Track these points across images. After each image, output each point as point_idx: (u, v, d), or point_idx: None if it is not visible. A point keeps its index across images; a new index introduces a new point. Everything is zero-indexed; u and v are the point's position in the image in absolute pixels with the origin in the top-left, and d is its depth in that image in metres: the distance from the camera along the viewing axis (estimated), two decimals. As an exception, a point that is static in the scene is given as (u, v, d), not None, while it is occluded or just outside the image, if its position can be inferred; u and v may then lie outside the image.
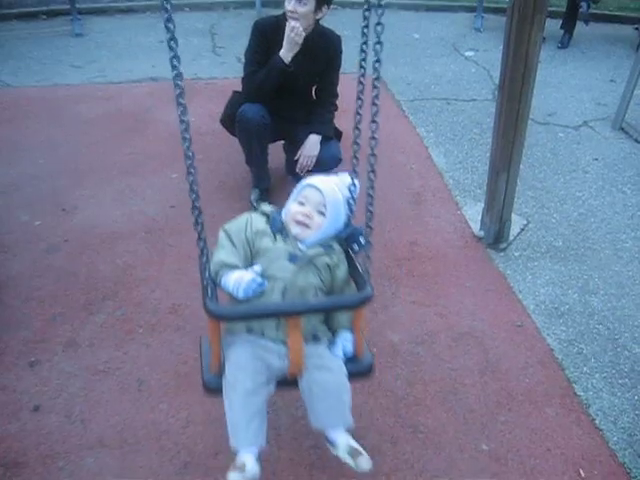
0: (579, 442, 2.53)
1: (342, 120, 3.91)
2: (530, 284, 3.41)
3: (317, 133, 3.72)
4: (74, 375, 2.73)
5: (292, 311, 1.92)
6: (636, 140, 4.99)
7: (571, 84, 6.10)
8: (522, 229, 3.85)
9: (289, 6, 3.33)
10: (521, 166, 3.54)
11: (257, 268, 2.02)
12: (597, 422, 2.61)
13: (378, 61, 1.76)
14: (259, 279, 1.97)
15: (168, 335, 2.96)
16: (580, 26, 7.08)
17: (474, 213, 3.91)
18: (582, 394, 2.74)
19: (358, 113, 2.01)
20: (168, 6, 1.55)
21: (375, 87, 1.78)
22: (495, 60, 6.32)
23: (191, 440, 2.48)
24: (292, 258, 2.06)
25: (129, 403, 2.62)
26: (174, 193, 4.02)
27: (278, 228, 2.11)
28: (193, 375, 2.75)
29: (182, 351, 2.88)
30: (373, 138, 1.86)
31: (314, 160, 3.71)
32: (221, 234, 2.12)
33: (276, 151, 4.00)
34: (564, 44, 7.10)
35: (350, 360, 2.10)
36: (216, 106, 4.45)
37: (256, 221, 2.13)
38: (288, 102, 3.68)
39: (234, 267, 2.01)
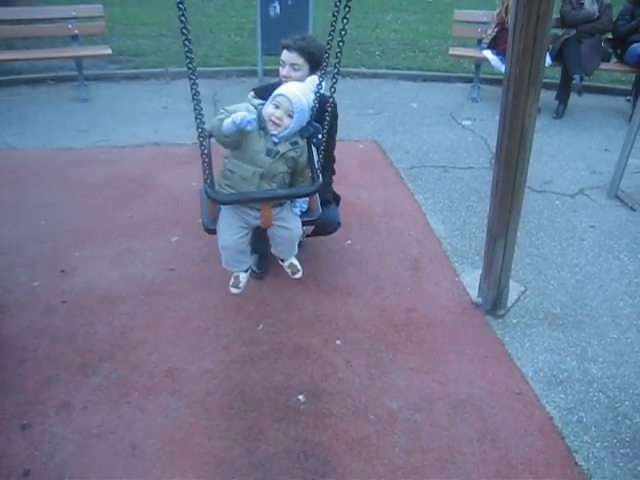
0: (581, 514, 2.48)
1: (340, 185, 3.97)
2: (528, 351, 3.39)
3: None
4: (66, 439, 2.69)
5: (266, 198, 2.88)
6: (631, 208, 5.05)
7: (566, 153, 6.21)
8: (520, 296, 3.85)
9: (283, 71, 3.43)
10: (518, 233, 3.57)
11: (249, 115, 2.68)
12: (599, 493, 2.57)
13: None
14: (250, 117, 2.66)
15: (164, 399, 2.93)
16: (574, 97, 7.25)
17: (472, 280, 3.92)
18: (583, 464, 2.70)
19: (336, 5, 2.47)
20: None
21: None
22: (492, 129, 6.46)
23: (184, 508, 2.43)
24: (268, 152, 2.80)
25: (122, 468, 2.57)
26: (173, 256, 4.04)
27: (262, 125, 2.78)
28: (188, 441, 2.72)
29: (177, 416, 2.84)
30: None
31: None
32: (221, 110, 2.77)
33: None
34: (559, 114, 7.26)
35: (305, 213, 3.14)
36: (217, 170, 4.51)
37: (251, 112, 2.75)
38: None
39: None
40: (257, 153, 2.80)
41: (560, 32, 7.29)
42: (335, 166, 3.89)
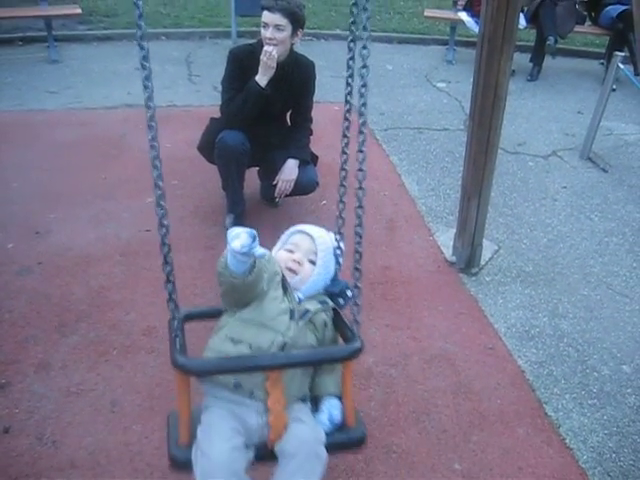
0: (550, 461, 2.56)
1: (316, 146, 3.98)
2: (501, 308, 3.46)
3: (295, 158, 3.76)
4: (46, 397, 2.70)
5: (272, 364, 1.71)
6: (603, 169, 5.13)
7: (540, 115, 6.26)
8: (493, 254, 3.92)
9: (267, 33, 3.40)
10: (492, 193, 3.62)
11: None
12: (567, 442, 2.65)
13: (364, 86, 1.74)
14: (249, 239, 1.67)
15: (142, 357, 2.95)
16: (548, 60, 7.29)
17: (446, 239, 3.98)
18: (552, 414, 2.78)
19: (344, 152, 2.00)
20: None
21: (362, 114, 1.78)
22: (467, 91, 6.42)
23: (164, 462, 2.43)
24: (292, 314, 1.86)
25: (102, 425, 2.59)
26: (149, 217, 3.97)
27: (283, 281, 1.93)
28: (167, 397, 2.74)
29: (155, 373, 2.86)
30: (360, 170, 1.83)
31: (292, 184, 3.76)
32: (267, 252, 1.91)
33: (250, 177, 4.02)
34: (533, 77, 7.29)
35: (339, 429, 1.86)
36: (191, 133, 4.48)
37: (278, 269, 1.94)
38: (264, 128, 3.73)
39: None
40: (277, 313, 1.85)
41: (535, -6, 7.29)
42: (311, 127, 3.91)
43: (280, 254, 2.05)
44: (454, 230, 3.85)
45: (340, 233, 2.11)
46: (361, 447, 1.97)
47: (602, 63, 7.81)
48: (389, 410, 2.75)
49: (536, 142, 5.63)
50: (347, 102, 1.94)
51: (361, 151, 1.77)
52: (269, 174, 3.91)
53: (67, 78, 6.57)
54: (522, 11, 6.33)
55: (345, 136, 1.96)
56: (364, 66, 1.69)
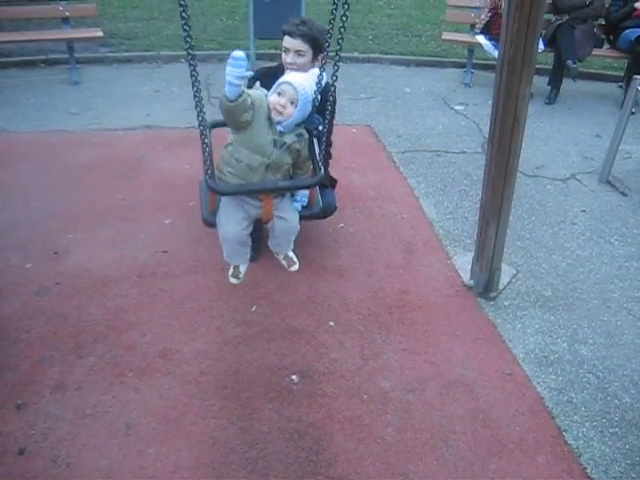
0: (570, 491, 2.51)
1: (333, 169, 3.98)
2: (520, 333, 3.42)
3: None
4: (61, 418, 2.71)
5: (268, 189, 2.93)
6: (622, 193, 5.08)
7: (558, 138, 6.22)
8: (511, 279, 3.88)
9: (288, 58, 3.40)
10: (510, 217, 3.59)
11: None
12: (588, 471, 2.60)
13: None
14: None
15: (158, 379, 2.95)
16: (566, 83, 7.26)
17: (464, 262, 3.95)
18: (573, 443, 2.73)
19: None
20: None
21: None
22: (484, 114, 6.49)
23: (179, 486, 2.45)
24: (275, 143, 2.83)
25: (116, 447, 2.59)
26: (166, 239, 4.04)
27: (267, 115, 2.81)
28: (182, 420, 2.73)
29: (171, 395, 2.86)
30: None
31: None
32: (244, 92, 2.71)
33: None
34: (551, 100, 7.27)
35: (306, 207, 3.18)
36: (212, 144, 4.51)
37: (265, 101, 2.82)
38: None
39: None
40: (265, 143, 2.82)
41: (552, 18, 7.28)
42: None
43: (272, 97, 2.83)
44: (472, 254, 3.82)
45: (323, 67, 2.88)
46: (319, 217, 3.48)
47: (621, 86, 7.77)
48: (406, 436, 2.72)
49: (554, 165, 5.59)
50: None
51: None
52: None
53: (88, 99, 6.64)
54: (540, 34, 6.33)
55: None
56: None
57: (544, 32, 7.07)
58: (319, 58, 3.53)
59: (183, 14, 2.35)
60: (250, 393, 2.91)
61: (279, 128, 2.85)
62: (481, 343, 3.32)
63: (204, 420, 2.75)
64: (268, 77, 3.59)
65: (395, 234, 4.27)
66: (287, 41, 3.40)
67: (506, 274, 3.86)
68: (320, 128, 2.97)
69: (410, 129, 6.24)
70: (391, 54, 8.72)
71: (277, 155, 2.86)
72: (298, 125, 2.93)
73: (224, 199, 3.05)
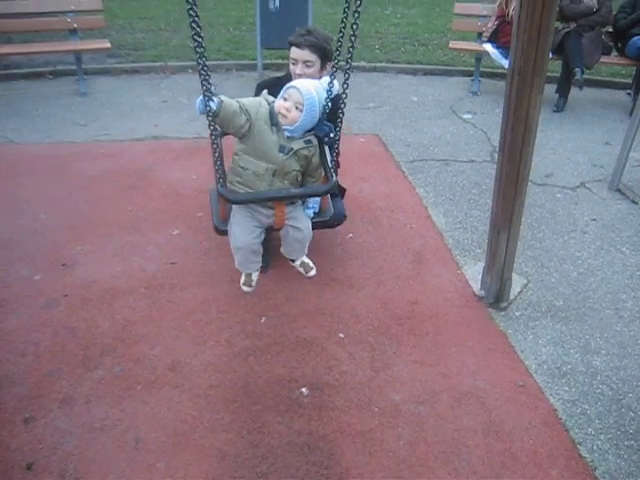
0: (586, 506, 2.47)
1: (341, 178, 3.95)
2: (531, 343, 3.38)
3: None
4: (69, 432, 2.68)
5: (280, 197, 2.93)
6: (633, 201, 5.04)
7: (567, 146, 6.19)
8: (522, 288, 3.84)
9: (297, 70, 3.39)
10: (520, 226, 3.56)
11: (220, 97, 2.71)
12: (604, 485, 2.56)
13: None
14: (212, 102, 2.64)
15: (167, 392, 2.92)
16: (575, 91, 7.23)
17: (474, 272, 3.91)
18: (587, 456, 2.69)
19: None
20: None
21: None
22: (492, 122, 6.48)
23: (188, 501, 2.42)
24: (282, 149, 2.83)
25: (125, 462, 2.56)
26: (175, 250, 4.03)
27: (275, 121, 2.82)
28: (191, 434, 2.70)
29: (180, 409, 2.83)
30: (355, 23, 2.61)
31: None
32: (236, 101, 2.79)
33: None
34: (559, 108, 7.24)
35: (317, 214, 3.23)
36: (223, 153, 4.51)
37: (263, 107, 2.86)
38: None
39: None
40: (270, 149, 2.84)
41: (560, 26, 7.26)
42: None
43: (278, 101, 2.84)
44: (482, 264, 3.79)
45: (333, 75, 2.88)
46: (332, 224, 3.53)
47: (629, 93, 7.75)
48: (418, 450, 2.68)
49: (564, 173, 5.56)
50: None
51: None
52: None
53: (95, 110, 6.66)
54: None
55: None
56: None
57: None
58: (327, 67, 3.52)
59: (193, 24, 2.38)
60: (260, 406, 2.88)
61: (287, 133, 2.86)
62: (492, 354, 3.28)
63: (213, 434, 2.72)
64: (275, 88, 3.60)
65: (404, 244, 4.24)
66: (294, 52, 3.39)
67: (517, 284, 3.82)
68: (331, 135, 2.97)
69: (418, 138, 6.22)
70: (398, 63, 8.73)
71: (283, 161, 2.87)
72: (308, 132, 2.94)
73: (235, 208, 3.07)
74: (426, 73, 8.60)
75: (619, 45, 7.42)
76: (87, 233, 4.20)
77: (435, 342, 3.35)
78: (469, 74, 8.21)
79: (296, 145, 2.88)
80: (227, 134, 3.13)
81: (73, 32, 7.16)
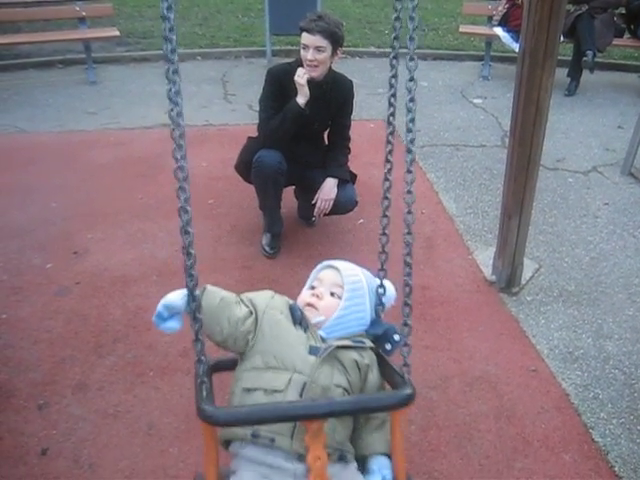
0: (598, 490, 2.46)
1: (352, 164, 3.95)
2: (543, 328, 3.37)
3: (334, 176, 3.72)
4: (83, 418, 2.70)
5: (313, 413, 1.43)
6: (646, 185, 5.01)
7: (579, 130, 6.14)
8: (534, 273, 3.83)
9: (308, 55, 3.37)
10: (532, 211, 3.54)
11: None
12: (617, 469, 2.54)
13: (412, 100, 1.59)
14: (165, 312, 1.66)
15: (179, 379, 2.93)
16: (586, 74, 7.17)
17: (485, 257, 3.90)
18: (600, 440, 2.68)
19: (387, 179, 1.77)
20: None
21: (409, 151, 1.55)
22: (503, 107, 6.43)
23: (201, 486, 2.43)
24: (313, 350, 1.64)
25: (138, 447, 2.57)
26: (185, 237, 4.02)
27: (298, 318, 1.71)
28: (203, 419, 2.71)
29: (192, 395, 2.81)
30: (409, 192, 1.55)
31: (331, 203, 3.71)
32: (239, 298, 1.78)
33: (286, 196, 3.99)
34: (571, 91, 7.18)
35: None
36: (227, 152, 4.51)
37: (278, 299, 1.79)
38: (302, 147, 3.71)
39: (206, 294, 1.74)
40: (294, 348, 1.65)
41: (571, 8, 7.18)
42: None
43: (302, 293, 1.85)
44: (493, 249, 3.78)
45: (383, 269, 1.81)
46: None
47: (642, 76, 7.68)
48: (430, 434, 2.68)
49: (576, 158, 5.52)
50: (389, 124, 1.72)
51: (409, 171, 1.53)
52: (307, 193, 3.89)
53: (105, 99, 6.67)
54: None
55: (388, 161, 1.73)
56: (411, 79, 1.55)
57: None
58: (338, 53, 3.51)
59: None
60: (271, 392, 2.88)
61: (320, 333, 1.72)
62: (504, 339, 3.28)
63: (225, 419, 2.73)
64: (286, 75, 3.57)
65: (415, 229, 4.12)
66: (306, 38, 3.37)
67: (528, 269, 3.81)
68: (396, 338, 1.74)
69: (428, 123, 6.19)
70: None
71: (318, 368, 1.61)
72: (352, 333, 1.77)
73: (237, 462, 1.61)
74: (436, 58, 8.54)
75: (632, 27, 7.34)
76: (98, 221, 4.22)
77: (446, 327, 3.34)
78: (479, 58, 8.15)
79: (337, 342, 1.68)
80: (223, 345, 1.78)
81: (82, 20, 7.16)
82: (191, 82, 7.13)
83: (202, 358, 1.48)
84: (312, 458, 1.42)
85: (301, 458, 1.49)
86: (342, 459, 1.60)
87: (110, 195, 4.57)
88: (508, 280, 3.63)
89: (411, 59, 1.54)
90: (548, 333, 3.34)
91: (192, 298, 1.47)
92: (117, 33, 7.29)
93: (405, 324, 1.60)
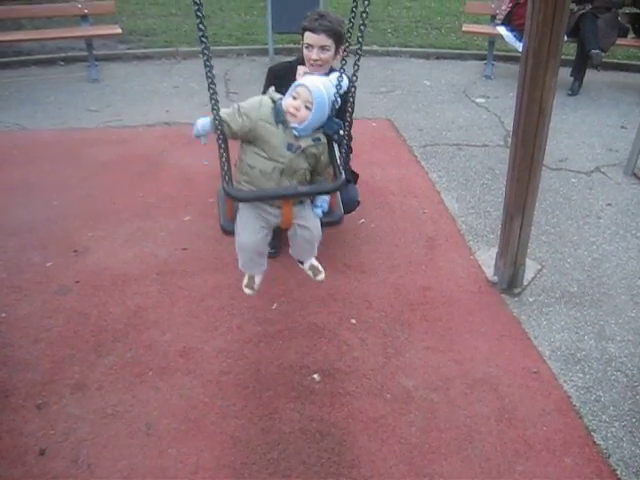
0: (600, 494, 2.45)
1: (353, 163, 3.92)
2: (545, 330, 3.35)
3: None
4: (82, 418, 2.69)
5: (287, 194, 2.75)
6: (649, 186, 4.98)
7: (582, 130, 6.12)
8: (536, 274, 3.81)
9: (312, 55, 3.34)
10: (534, 211, 3.51)
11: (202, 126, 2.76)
12: (618, 473, 2.53)
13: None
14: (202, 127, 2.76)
15: (178, 379, 2.92)
16: (590, 74, 7.14)
17: (487, 258, 3.88)
18: (602, 443, 2.66)
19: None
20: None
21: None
22: (506, 107, 6.41)
23: (200, 487, 2.42)
24: (289, 147, 2.66)
25: (137, 448, 2.56)
26: (186, 236, 4.02)
27: (281, 119, 2.63)
28: (203, 420, 2.71)
29: (192, 395, 2.83)
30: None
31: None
32: (234, 105, 2.65)
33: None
34: (574, 91, 7.14)
35: (326, 214, 3.02)
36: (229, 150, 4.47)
37: (265, 106, 2.66)
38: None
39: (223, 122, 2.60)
40: (277, 147, 2.66)
41: (575, 7, 7.14)
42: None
43: (287, 99, 2.68)
44: (495, 249, 3.76)
45: (343, 69, 2.69)
46: (340, 223, 3.59)
47: (645, 76, 7.65)
48: (430, 436, 2.66)
49: (578, 158, 5.49)
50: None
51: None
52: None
53: (107, 96, 6.65)
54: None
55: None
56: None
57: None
58: (340, 51, 3.48)
59: (198, 13, 2.18)
60: (271, 392, 2.87)
61: (295, 132, 2.66)
62: (506, 340, 3.26)
63: (225, 420, 2.72)
64: (286, 72, 3.56)
65: (417, 229, 4.21)
66: (310, 37, 3.34)
67: (530, 269, 3.79)
68: (340, 132, 2.76)
69: (431, 122, 6.17)
70: (410, 47, 8.64)
71: (291, 159, 2.68)
72: (317, 129, 2.75)
73: (241, 207, 2.91)
74: (439, 57, 8.50)
75: (636, 26, 7.30)
76: (99, 219, 4.20)
77: (448, 328, 3.33)
78: (482, 58, 8.11)
79: (304, 143, 2.69)
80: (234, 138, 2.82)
81: (84, 18, 7.12)
82: (193, 80, 7.11)
83: (223, 150, 2.59)
84: (285, 210, 2.80)
85: (279, 205, 2.79)
86: (301, 203, 2.88)
87: (111, 193, 4.55)
88: (510, 281, 3.61)
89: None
90: (550, 335, 3.32)
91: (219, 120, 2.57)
92: (119, 31, 7.27)
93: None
